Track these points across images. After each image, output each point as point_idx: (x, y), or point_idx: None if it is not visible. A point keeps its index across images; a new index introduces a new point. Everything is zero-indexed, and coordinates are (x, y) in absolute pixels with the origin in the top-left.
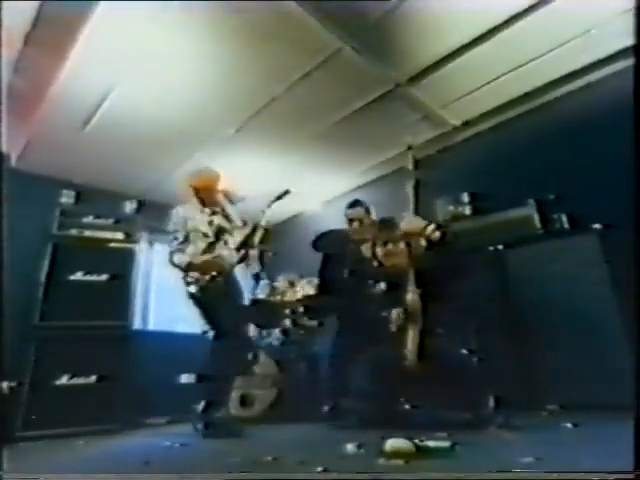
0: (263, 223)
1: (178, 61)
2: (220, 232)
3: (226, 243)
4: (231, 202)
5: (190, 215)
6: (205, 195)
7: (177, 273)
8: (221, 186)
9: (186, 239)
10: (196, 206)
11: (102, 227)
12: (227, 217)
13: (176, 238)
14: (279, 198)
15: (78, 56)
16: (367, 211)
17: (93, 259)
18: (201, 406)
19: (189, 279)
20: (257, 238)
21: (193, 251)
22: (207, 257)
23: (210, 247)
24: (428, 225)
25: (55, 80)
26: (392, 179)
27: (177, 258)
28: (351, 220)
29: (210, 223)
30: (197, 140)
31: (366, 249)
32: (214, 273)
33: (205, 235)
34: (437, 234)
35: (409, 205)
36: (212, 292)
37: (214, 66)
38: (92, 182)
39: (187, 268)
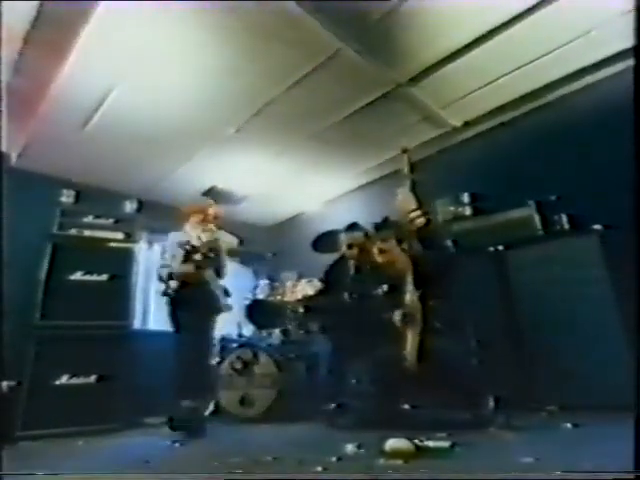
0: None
1: (178, 61)
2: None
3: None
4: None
5: (183, 238)
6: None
7: None
8: (212, 213)
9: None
10: (190, 229)
11: (102, 227)
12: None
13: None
14: None
15: (78, 56)
16: (367, 235)
17: (93, 259)
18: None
19: (169, 290)
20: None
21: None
22: (187, 267)
23: (189, 256)
24: (415, 210)
25: (55, 79)
26: (392, 179)
27: (161, 271)
28: (350, 245)
29: (199, 238)
30: (197, 140)
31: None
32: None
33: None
34: (421, 220)
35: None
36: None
37: (214, 66)
38: (92, 182)
39: (168, 278)
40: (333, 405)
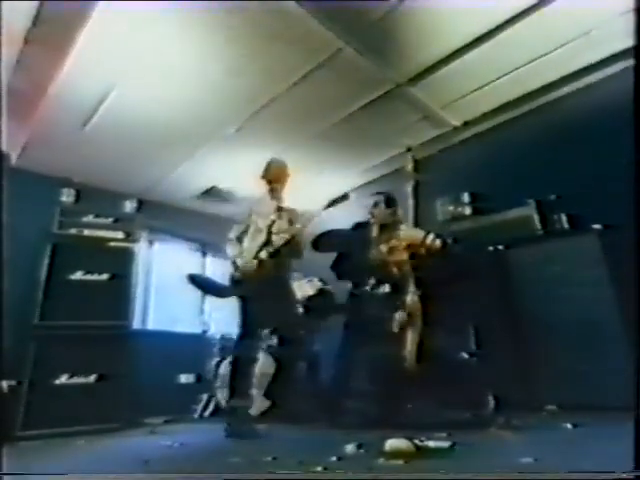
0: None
1: (178, 60)
2: (272, 230)
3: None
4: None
5: (257, 208)
6: (272, 187)
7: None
8: (286, 180)
9: (246, 230)
10: (265, 198)
11: (102, 226)
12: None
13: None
14: (335, 202)
15: (78, 55)
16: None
17: (93, 258)
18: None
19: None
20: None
21: (247, 248)
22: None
23: (259, 250)
24: (427, 235)
25: (55, 79)
26: (392, 179)
27: (231, 250)
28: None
29: (266, 217)
30: (197, 139)
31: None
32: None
33: (260, 231)
34: (437, 243)
35: (408, 207)
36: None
37: (214, 65)
38: (92, 181)
39: (235, 266)
40: (333, 405)
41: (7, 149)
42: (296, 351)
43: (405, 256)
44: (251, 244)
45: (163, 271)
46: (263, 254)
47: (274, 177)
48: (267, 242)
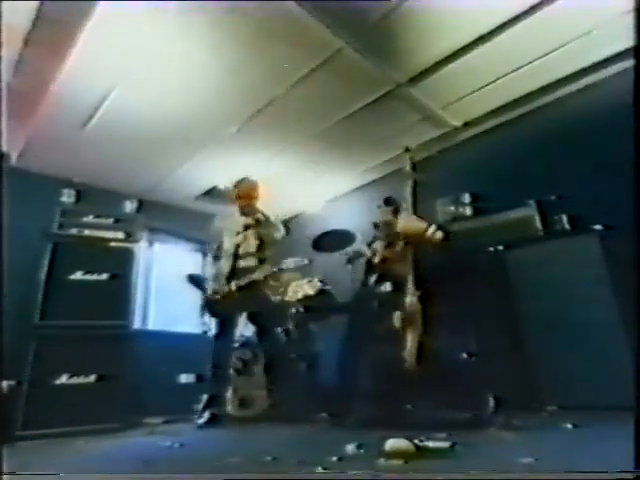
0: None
1: (178, 61)
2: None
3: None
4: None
5: (227, 226)
6: (244, 203)
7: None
8: (258, 196)
9: (220, 247)
10: (234, 217)
11: (102, 226)
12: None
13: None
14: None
15: (78, 55)
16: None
17: (93, 258)
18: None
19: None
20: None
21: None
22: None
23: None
24: (429, 227)
25: (55, 79)
26: (392, 179)
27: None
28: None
29: (235, 236)
30: (198, 140)
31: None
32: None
33: (229, 253)
34: (439, 235)
35: (407, 206)
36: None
37: (215, 66)
38: (92, 181)
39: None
40: (333, 405)
41: (7, 149)
42: (289, 349)
43: (405, 255)
44: (225, 263)
45: (163, 271)
46: (232, 286)
47: (245, 195)
48: (234, 266)
